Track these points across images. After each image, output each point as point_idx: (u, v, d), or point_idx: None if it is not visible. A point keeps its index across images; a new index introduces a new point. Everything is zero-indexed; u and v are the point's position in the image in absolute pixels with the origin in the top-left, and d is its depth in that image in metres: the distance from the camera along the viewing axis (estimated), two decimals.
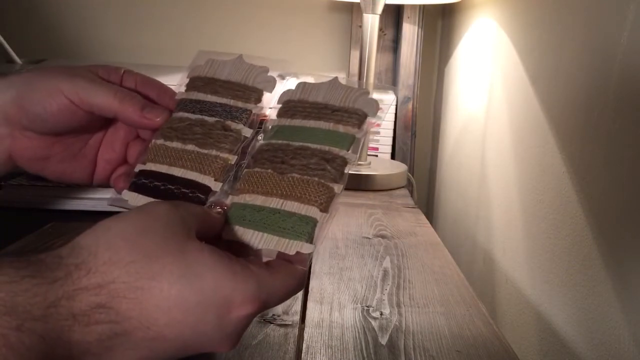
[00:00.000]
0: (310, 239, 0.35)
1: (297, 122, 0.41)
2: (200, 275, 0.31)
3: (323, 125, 0.40)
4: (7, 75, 0.42)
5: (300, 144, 0.39)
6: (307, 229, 0.35)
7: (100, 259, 0.30)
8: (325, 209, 0.36)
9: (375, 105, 0.40)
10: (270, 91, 0.43)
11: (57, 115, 0.41)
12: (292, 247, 0.34)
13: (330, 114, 0.40)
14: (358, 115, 0.39)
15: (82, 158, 0.45)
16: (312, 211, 0.35)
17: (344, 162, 0.37)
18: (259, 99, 0.43)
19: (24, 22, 1.22)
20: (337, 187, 0.37)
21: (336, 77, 0.43)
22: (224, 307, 0.31)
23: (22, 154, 0.42)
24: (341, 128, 0.39)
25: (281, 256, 0.35)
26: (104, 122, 0.45)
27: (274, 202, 0.37)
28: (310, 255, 0.35)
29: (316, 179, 0.37)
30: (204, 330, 0.32)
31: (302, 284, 0.35)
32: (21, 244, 0.57)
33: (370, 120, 0.40)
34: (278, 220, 0.36)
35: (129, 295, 0.30)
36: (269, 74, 0.44)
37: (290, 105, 0.42)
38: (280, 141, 0.40)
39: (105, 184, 0.45)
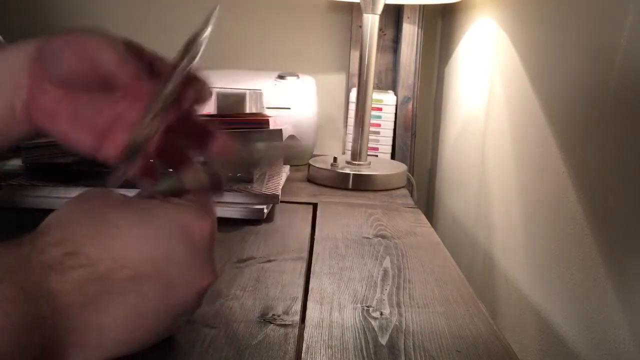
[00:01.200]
0: None
1: None
2: (154, 215, 0.35)
3: None
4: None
5: None
6: None
7: (58, 223, 0.34)
8: None
9: None
10: None
11: (74, 68, 0.41)
12: None
13: None
14: None
15: (91, 127, 0.43)
16: None
17: None
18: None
19: (24, 22, 1.22)
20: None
21: None
22: (187, 232, 0.35)
23: (36, 104, 0.42)
24: None
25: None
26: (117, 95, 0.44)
27: None
28: None
29: None
30: (179, 259, 0.34)
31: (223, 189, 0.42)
32: None
33: None
34: None
35: (93, 242, 0.33)
36: None
37: None
38: None
39: (108, 162, 0.45)
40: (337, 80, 1.24)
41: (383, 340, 0.43)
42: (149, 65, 0.43)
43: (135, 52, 0.43)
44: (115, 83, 0.41)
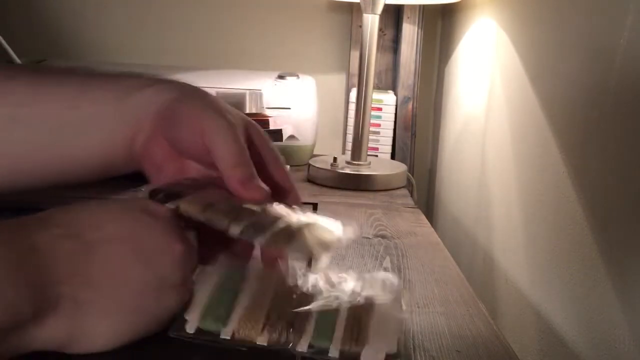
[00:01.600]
0: None
1: None
2: (115, 200, 0.39)
3: None
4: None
5: None
6: None
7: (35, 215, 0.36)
8: None
9: None
10: None
11: (187, 143, 0.43)
12: None
13: None
14: None
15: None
16: None
17: None
18: None
19: (24, 22, 1.22)
20: None
21: None
22: (146, 208, 0.38)
23: (149, 152, 0.44)
24: None
25: None
26: None
27: None
28: None
29: None
30: (144, 224, 0.37)
31: None
32: None
33: None
34: None
35: (63, 213, 0.37)
36: None
37: None
38: None
39: None
40: (337, 80, 1.24)
41: None
42: (257, 155, 0.44)
43: (250, 141, 0.44)
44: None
